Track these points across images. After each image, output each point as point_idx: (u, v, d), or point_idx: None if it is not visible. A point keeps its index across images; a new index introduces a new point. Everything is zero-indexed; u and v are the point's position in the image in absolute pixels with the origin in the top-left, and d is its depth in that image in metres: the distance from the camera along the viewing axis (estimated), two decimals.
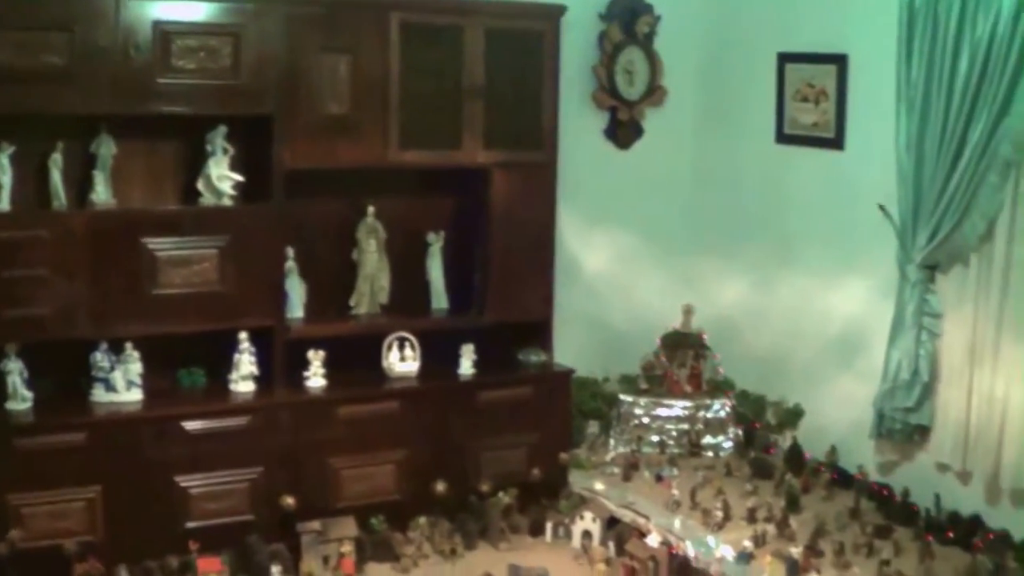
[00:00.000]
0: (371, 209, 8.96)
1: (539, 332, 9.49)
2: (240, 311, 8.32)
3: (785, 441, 10.04)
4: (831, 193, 9.69)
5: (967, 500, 8.69)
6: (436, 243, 9.28)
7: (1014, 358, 8.30)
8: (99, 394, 8.11)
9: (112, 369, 8.11)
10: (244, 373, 8.46)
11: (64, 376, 8.18)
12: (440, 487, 8.78)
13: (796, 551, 8.03)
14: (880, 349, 9.06)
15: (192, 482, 8.08)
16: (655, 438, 10.01)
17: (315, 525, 8.18)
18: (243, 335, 8.40)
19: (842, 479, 9.40)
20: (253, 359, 8.46)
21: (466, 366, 9.16)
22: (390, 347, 8.97)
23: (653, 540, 8.29)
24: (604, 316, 10.46)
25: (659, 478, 9.41)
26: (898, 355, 8.87)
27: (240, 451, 8.19)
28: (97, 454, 7.77)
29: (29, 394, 7.94)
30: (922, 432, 8.94)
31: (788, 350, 10.15)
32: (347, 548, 8.14)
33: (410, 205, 9.23)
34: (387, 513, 8.55)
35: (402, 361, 8.98)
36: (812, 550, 8.17)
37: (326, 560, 8.15)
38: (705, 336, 10.26)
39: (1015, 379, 8.30)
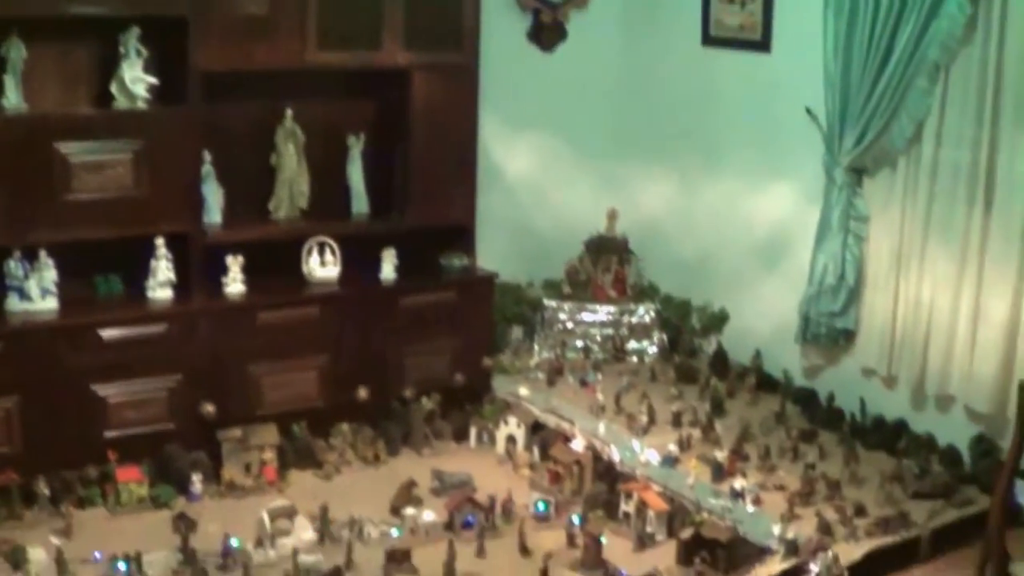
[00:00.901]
0: (289, 112, 8.83)
1: (461, 237, 9.43)
2: (156, 216, 8.18)
3: (710, 346, 10.15)
4: (758, 96, 9.66)
5: (892, 405, 8.80)
6: (356, 146, 9.15)
7: (940, 263, 8.37)
8: (13, 303, 7.96)
9: (26, 277, 7.96)
10: (161, 280, 8.35)
11: None
12: (362, 393, 8.76)
13: (721, 455, 8.13)
14: (806, 253, 9.10)
15: (110, 391, 7.98)
16: (579, 343, 10.05)
17: (236, 433, 8.14)
18: (160, 241, 8.27)
19: (767, 384, 9.50)
20: (170, 265, 8.33)
21: (388, 271, 9.09)
22: (310, 252, 8.89)
23: (578, 444, 8.35)
24: (528, 221, 10.38)
25: (583, 383, 9.45)
26: (824, 259, 8.92)
27: (158, 359, 8.10)
28: (12, 364, 7.64)
29: None
30: (847, 336, 9.02)
31: (713, 255, 10.19)
32: (269, 455, 8.15)
33: (329, 108, 9.09)
34: (309, 420, 8.53)
35: (322, 266, 8.91)
36: (737, 454, 8.26)
37: (248, 467, 8.13)
38: (629, 241, 10.27)
39: (941, 284, 8.37)
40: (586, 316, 10.10)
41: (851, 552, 7.15)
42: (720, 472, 8.00)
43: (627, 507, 7.74)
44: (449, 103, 9.08)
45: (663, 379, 9.62)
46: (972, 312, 8.20)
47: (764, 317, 9.72)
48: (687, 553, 7.24)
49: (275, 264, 8.79)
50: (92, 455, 7.82)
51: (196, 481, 7.90)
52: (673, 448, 8.26)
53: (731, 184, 9.98)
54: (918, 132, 8.37)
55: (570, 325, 10.09)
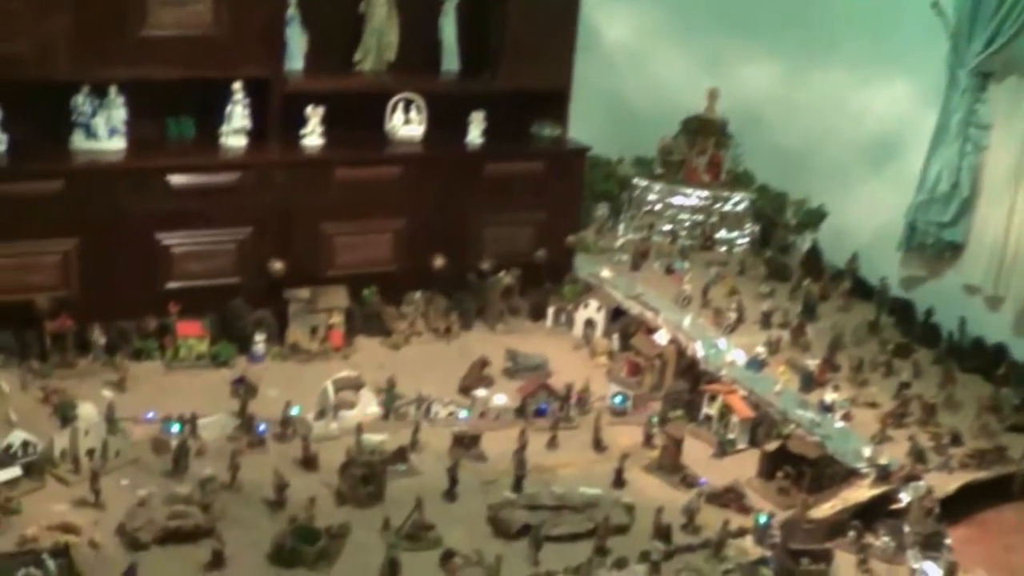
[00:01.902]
0: None
1: (555, 104, 8.86)
2: (235, 59, 7.61)
3: (804, 243, 9.63)
4: None
5: (994, 327, 8.31)
6: (451, 1, 8.66)
7: None
8: (79, 141, 7.39)
9: (94, 114, 7.37)
10: (236, 127, 7.80)
11: (43, 121, 7.43)
12: (439, 262, 8.28)
13: (812, 363, 7.66)
14: (918, 157, 8.63)
15: (175, 240, 7.48)
16: (667, 227, 9.58)
17: (304, 293, 7.70)
18: (237, 85, 7.72)
19: (862, 290, 8.99)
20: (247, 112, 7.79)
21: (475, 135, 8.56)
22: (394, 108, 8.33)
23: (661, 337, 7.86)
24: (623, 93, 9.93)
25: (669, 270, 8.97)
26: (938, 166, 8.42)
27: (228, 210, 7.60)
28: (74, 205, 7.12)
29: (3, 136, 7.21)
30: (954, 249, 8.57)
31: (816, 148, 9.61)
32: (337, 319, 7.74)
33: None
34: (381, 285, 8.08)
35: (406, 124, 8.36)
36: (828, 363, 7.77)
37: (314, 330, 7.70)
38: (729, 124, 9.72)
39: None
40: (676, 199, 9.59)
41: (944, 484, 6.66)
42: (809, 382, 7.50)
43: (709, 410, 7.31)
44: None
45: (752, 274, 9.12)
46: None
47: (865, 219, 9.19)
48: (770, 466, 6.79)
49: (357, 119, 8.24)
50: (152, 306, 7.37)
51: (259, 341, 7.46)
52: (761, 350, 7.78)
53: (841, 75, 9.38)
54: None
55: (659, 207, 9.59)
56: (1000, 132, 8.21)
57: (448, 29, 8.68)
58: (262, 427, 6.61)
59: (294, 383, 7.17)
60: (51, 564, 5.16)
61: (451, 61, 8.72)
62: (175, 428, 6.46)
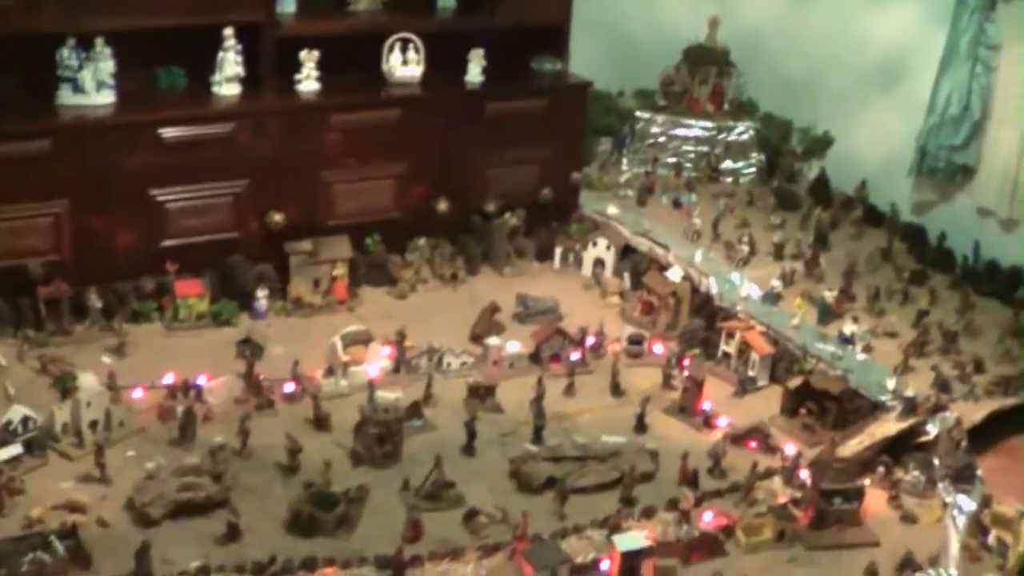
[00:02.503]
0: None
1: (554, 39, 8.54)
2: (225, 4, 7.27)
3: (811, 171, 9.33)
4: None
5: (1009, 250, 8.03)
6: None
7: None
8: (66, 96, 7.00)
9: (81, 68, 6.98)
10: (229, 74, 7.41)
11: (27, 76, 7.06)
12: (442, 206, 7.96)
13: (828, 294, 7.36)
14: (926, 80, 8.32)
15: (169, 196, 7.11)
16: (672, 159, 9.30)
17: (305, 245, 7.37)
18: (228, 31, 7.33)
19: (873, 217, 8.71)
20: (239, 59, 7.40)
21: (474, 73, 8.20)
22: (391, 49, 7.93)
23: (674, 274, 7.56)
24: (622, 24, 9.56)
25: (677, 204, 8.66)
26: (948, 88, 8.12)
27: (223, 162, 7.23)
28: (63, 163, 6.75)
29: None
30: (966, 173, 8.27)
31: (821, 73, 9.29)
32: (340, 270, 7.43)
33: None
34: (384, 233, 7.76)
35: (404, 65, 7.96)
36: (845, 294, 7.48)
37: (317, 283, 7.39)
38: (731, 52, 9.42)
39: None
40: (680, 131, 9.33)
41: (971, 413, 6.41)
42: (827, 313, 7.24)
43: (727, 347, 7.04)
44: None
45: (761, 205, 8.83)
46: None
47: (873, 145, 8.89)
48: (794, 403, 6.56)
49: (353, 61, 7.87)
50: (149, 266, 7.05)
51: (261, 297, 7.14)
52: (776, 283, 7.49)
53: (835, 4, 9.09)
54: None
55: (662, 139, 9.32)
56: (1009, 53, 7.90)
57: None
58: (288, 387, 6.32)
59: (300, 339, 6.87)
60: (59, 547, 4.86)
61: None
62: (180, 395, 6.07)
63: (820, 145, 9.34)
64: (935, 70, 8.21)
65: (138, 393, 6.12)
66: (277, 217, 7.36)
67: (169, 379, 6.15)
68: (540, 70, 8.52)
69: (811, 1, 9.32)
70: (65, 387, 5.92)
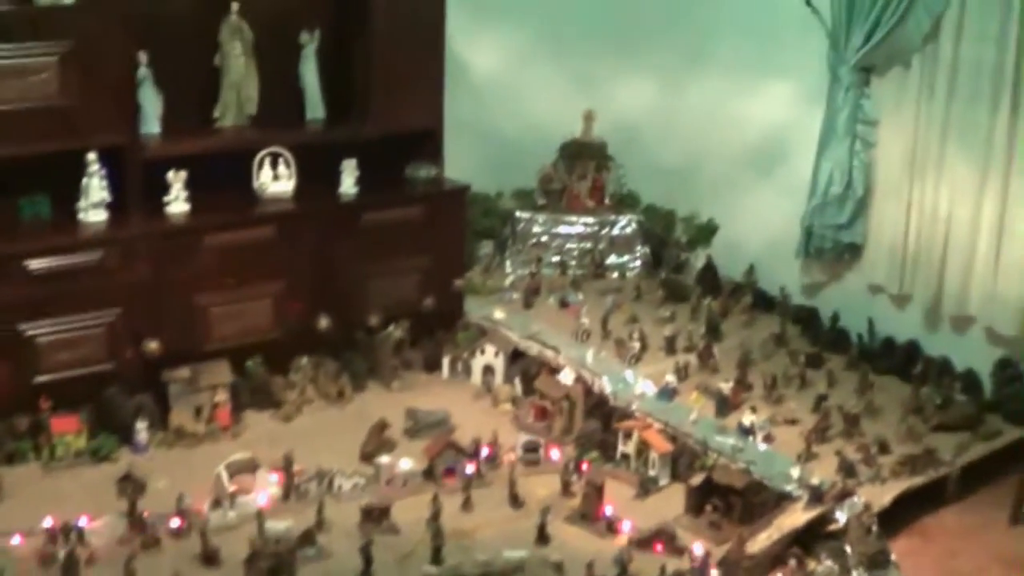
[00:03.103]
0: (235, 6, 7.98)
1: (428, 144, 8.60)
2: (87, 128, 7.21)
3: (698, 260, 9.48)
4: None
5: (903, 325, 8.22)
6: (310, 44, 8.34)
7: (959, 170, 7.73)
8: None
9: None
10: (95, 200, 7.37)
11: None
12: (323, 323, 7.96)
13: (724, 385, 7.45)
14: (805, 160, 8.51)
15: (39, 330, 7.03)
16: (555, 258, 9.38)
17: (184, 372, 7.30)
18: (92, 156, 7.30)
19: (763, 302, 8.87)
20: (104, 184, 7.38)
21: (348, 184, 8.24)
22: (261, 165, 7.98)
23: (566, 376, 7.59)
24: (496, 125, 9.64)
25: (564, 304, 8.76)
26: (829, 166, 8.30)
27: (94, 291, 7.17)
28: None
29: None
30: (854, 251, 8.46)
31: (700, 160, 9.48)
32: (221, 396, 7.35)
33: (280, 1, 8.26)
34: (265, 354, 7.71)
35: (275, 180, 8.01)
36: (741, 384, 7.57)
37: (198, 411, 7.30)
38: (608, 145, 9.58)
39: (960, 194, 7.74)
40: (562, 228, 9.45)
41: (879, 496, 6.51)
42: (725, 405, 7.31)
43: (626, 448, 7.04)
44: None
45: (650, 298, 8.95)
46: (995, 225, 7.62)
47: (758, 229, 9.06)
48: (698, 501, 6.55)
49: (222, 179, 7.86)
50: (22, 403, 6.96)
51: (141, 429, 7.05)
52: (670, 378, 7.56)
53: (719, 83, 9.25)
54: (936, 27, 7.73)
55: (544, 238, 9.43)
56: (888, 127, 8.11)
57: (309, 76, 8.38)
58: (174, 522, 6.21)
59: (184, 471, 6.77)
60: None
61: (316, 109, 8.42)
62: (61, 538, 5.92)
63: (705, 233, 9.45)
64: (814, 150, 8.35)
65: (16, 540, 5.97)
66: (153, 345, 7.29)
67: (48, 522, 5.99)
68: (415, 177, 8.54)
69: (684, 89, 9.45)
70: None
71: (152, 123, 7.77)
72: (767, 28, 8.73)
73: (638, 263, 9.45)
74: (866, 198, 8.23)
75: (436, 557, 6.01)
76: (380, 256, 8.21)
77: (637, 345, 7.92)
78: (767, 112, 8.92)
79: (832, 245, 8.39)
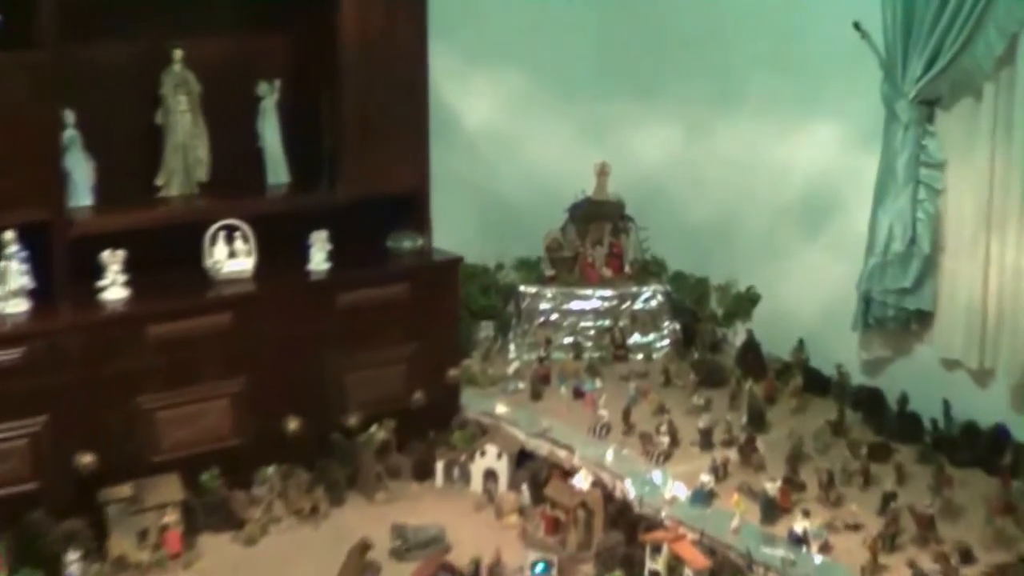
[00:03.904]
0: (179, 53, 8.11)
1: (412, 210, 8.69)
2: (2, 202, 7.19)
3: (737, 336, 9.47)
4: (785, 7, 8.98)
5: (986, 407, 8.05)
6: (270, 96, 8.48)
7: None
8: None
9: None
10: (14, 288, 7.32)
11: None
12: (292, 425, 7.85)
13: (771, 485, 7.26)
14: (860, 213, 8.43)
15: None
16: (568, 340, 9.36)
17: (125, 490, 7.14)
18: (9, 236, 7.28)
19: (817, 384, 8.75)
20: (25, 268, 7.34)
21: (318, 260, 8.23)
22: (214, 240, 7.96)
23: (581, 480, 7.42)
24: (493, 184, 9.80)
25: (579, 393, 8.65)
26: (888, 220, 8.17)
27: (14, 396, 7.05)
28: None
29: None
30: (922, 319, 8.32)
31: (735, 218, 9.52)
32: (171, 517, 7.18)
33: (232, 46, 8.41)
34: (223, 465, 7.60)
35: (232, 258, 7.99)
36: (791, 483, 7.41)
37: (143, 536, 7.12)
38: (626, 205, 9.61)
39: None
40: (575, 304, 9.44)
41: None
42: (772, 509, 7.16)
43: (655, 565, 6.83)
44: (391, 32, 8.39)
45: (681, 383, 8.85)
46: None
47: (807, 298, 9.04)
48: None
49: (168, 259, 7.89)
50: None
51: (72, 561, 6.83)
52: (706, 478, 7.42)
53: (755, 127, 9.31)
54: (1011, 49, 7.65)
55: (554, 317, 9.42)
56: (958, 170, 8.00)
57: (270, 134, 8.49)
58: None
59: None
60: None
61: (278, 173, 8.52)
62: None
63: (744, 304, 9.46)
64: (870, 201, 8.25)
65: None
66: (87, 459, 7.20)
67: None
68: (398, 248, 8.59)
69: (713, 135, 9.51)
70: None
71: (82, 194, 7.83)
72: (808, 60, 8.77)
73: (666, 342, 9.46)
74: (934, 256, 8.11)
75: None
76: (359, 344, 8.19)
77: (666, 440, 7.84)
78: (812, 159, 8.91)
79: (896, 313, 8.25)
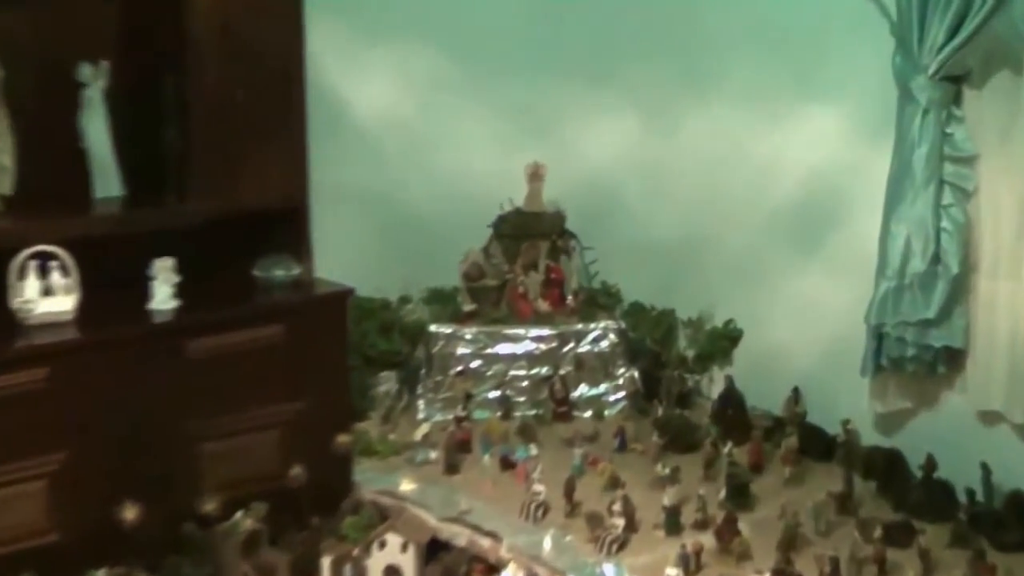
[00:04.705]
0: None
1: (287, 229, 8.55)
2: None
3: (713, 385, 9.34)
4: None
5: None
6: (95, 82, 8.23)
7: None
8: None
9: None
10: None
11: None
12: (130, 513, 7.45)
13: None
14: (867, 222, 8.36)
15: None
16: (494, 394, 9.20)
17: None
18: None
19: (817, 445, 8.59)
20: None
21: (163, 296, 7.94)
22: (23, 272, 7.68)
23: None
24: (396, 194, 9.74)
25: (508, 464, 8.48)
26: (905, 231, 8.02)
27: None
28: None
29: None
30: (951, 360, 8.11)
31: (709, 232, 9.55)
32: None
33: (44, 18, 8.12)
34: (39, 569, 7.27)
35: (47, 295, 7.69)
36: (785, 575, 7.28)
37: None
38: (567, 217, 9.60)
39: None
40: (502, 348, 9.31)
41: None
42: None
43: None
44: (254, 3, 8.26)
45: (641, 448, 8.63)
46: None
47: (802, 333, 9.02)
48: None
49: None
50: None
51: None
52: (673, 572, 7.20)
53: (733, 115, 9.32)
54: None
55: (476, 364, 9.26)
56: (993, 164, 7.84)
57: (97, 132, 8.26)
58: None
59: None
60: None
61: (108, 183, 8.29)
62: None
63: (722, 343, 9.42)
64: (880, 206, 8.13)
65: None
66: None
67: None
68: (269, 279, 8.43)
69: (680, 126, 9.58)
70: None
71: None
72: (799, 30, 8.77)
73: (621, 395, 9.28)
74: (965, 276, 7.93)
75: None
76: (218, 405, 7.94)
77: (621, 523, 7.59)
78: (805, 155, 8.85)
79: (917, 353, 8.04)
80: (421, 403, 9.14)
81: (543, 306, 9.37)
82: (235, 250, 8.41)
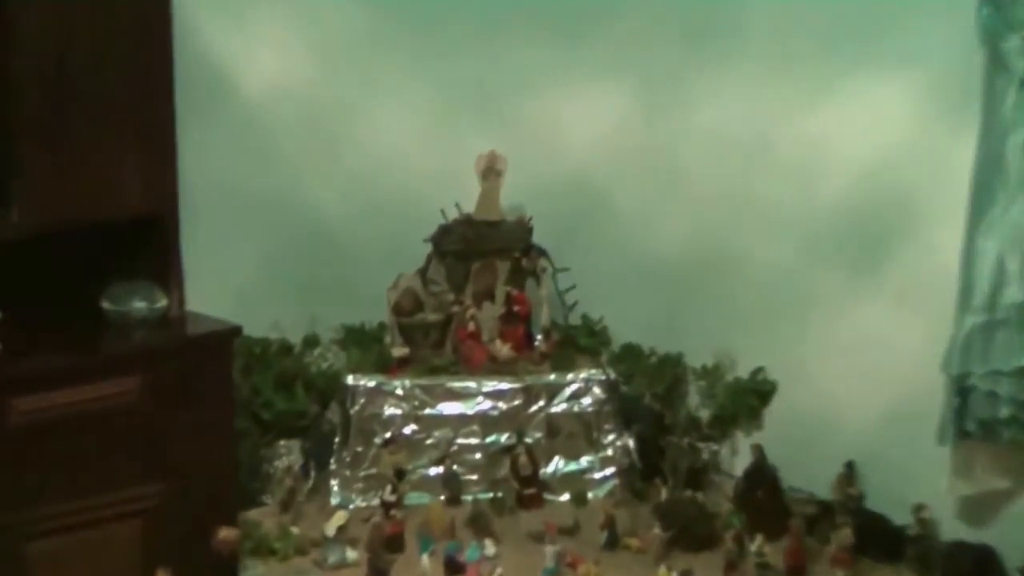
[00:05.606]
0: None
1: (148, 248, 8.30)
2: None
3: (737, 458, 9.11)
4: None
5: None
6: None
7: None
8: None
9: None
10: None
11: None
12: None
13: None
14: (944, 235, 8.05)
15: None
16: (435, 471, 8.85)
17: None
18: None
19: (880, 539, 8.23)
20: None
21: None
22: None
23: None
24: (298, 198, 9.59)
25: (455, 566, 8.07)
26: (995, 248, 7.66)
27: None
28: None
29: None
30: None
31: (726, 247, 9.28)
32: None
33: None
34: None
35: None
36: None
37: None
38: (533, 228, 9.49)
39: None
40: (446, 407, 8.96)
41: None
42: None
43: None
44: None
45: (637, 543, 8.30)
46: None
47: (855, 388, 8.60)
48: None
49: None
50: None
51: None
52: None
53: (757, 87, 9.06)
54: None
55: (411, 430, 8.87)
56: None
57: None
58: None
59: None
60: None
61: None
62: None
63: (748, 400, 9.03)
64: (962, 214, 7.71)
65: None
66: None
67: None
68: (123, 314, 8.02)
69: (688, 100, 9.35)
70: None
71: None
72: None
73: (610, 472, 8.93)
74: None
75: None
76: (49, 490, 7.53)
77: None
78: (859, 143, 8.52)
79: (1015, 413, 7.59)
80: (335, 484, 8.80)
81: (502, 350, 9.05)
82: (76, 275, 8.08)
